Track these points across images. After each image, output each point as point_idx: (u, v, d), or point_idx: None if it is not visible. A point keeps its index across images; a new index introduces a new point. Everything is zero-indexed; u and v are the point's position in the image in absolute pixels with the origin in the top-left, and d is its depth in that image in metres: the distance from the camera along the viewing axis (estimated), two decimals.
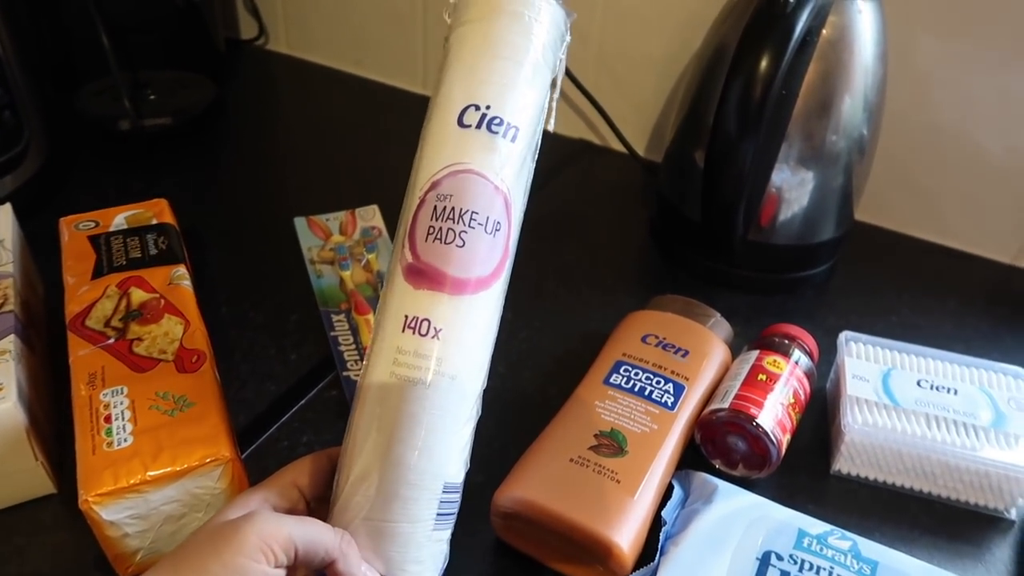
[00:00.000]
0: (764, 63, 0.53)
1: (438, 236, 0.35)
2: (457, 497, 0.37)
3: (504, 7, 0.38)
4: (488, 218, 0.36)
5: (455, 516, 0.37)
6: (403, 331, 0.35)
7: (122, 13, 0.80)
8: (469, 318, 0.36)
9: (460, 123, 0.36)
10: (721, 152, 0.57)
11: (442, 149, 0.37)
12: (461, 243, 0.35)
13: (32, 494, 0.47)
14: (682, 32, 0.74)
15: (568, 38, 0.40)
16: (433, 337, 0.35)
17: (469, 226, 0.35)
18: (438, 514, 0.36)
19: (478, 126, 0.36)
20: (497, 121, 0.36)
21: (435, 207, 0.36)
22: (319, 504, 0.38)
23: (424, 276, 0.35)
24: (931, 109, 0.68)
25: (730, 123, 0.55)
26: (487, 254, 0.36)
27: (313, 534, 0.33)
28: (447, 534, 0.37)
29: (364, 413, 0.36)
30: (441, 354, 0.35)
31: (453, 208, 0.35)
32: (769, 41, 0.53)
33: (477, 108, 0.36)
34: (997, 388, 0.53)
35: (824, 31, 0.57)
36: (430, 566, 0.36)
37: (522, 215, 0.38)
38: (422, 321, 0.35)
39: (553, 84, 0.40)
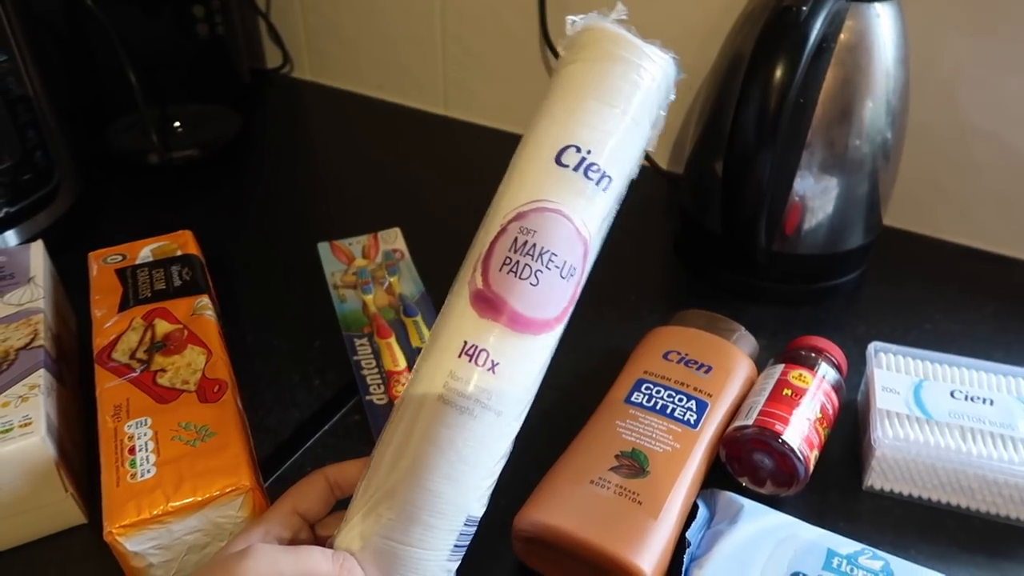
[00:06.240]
0: (778, 73, 0.52)
1: (513, 269, 0.35)
2: (473, 531, 0.37)
3: (619, 53, 0.37)
4: (565, 262, 0.36)
5: (466, 549, 0.37)
6: (460, 356, 0.35)
7: (149, 50, 0.82)
8: (527, 358, 0.36)
9: (558, 161, 0.36)
10: (739, 163, 0.56)
11: (534, 182, 0.36)
12: (535, 281, 0.35)
13: (63, 525, 0.48)
14: (701, 42, 0.74)
15: (673, 96, 0.39)
16: (489, 369, 0.35)
17: (546, 266, 0.35)
18: (455, 545, 0.36)
19: (575, 168, 0.36)
20: (595, 168, 0.36)
21: (515, 239, 0.35)
22: (326, 523, 0.38)
23: (491, 306, 0.35)
24: (959, 110, 0.67)
25: (747, 134, 0.55)
26: (557, 297, 0.36)
27: (308, 565, 0.33)
28: (456, 565, 0.37)
29: (402, 429, 0.35)
30: (493, 388, 0.35)
31: (534, 245, 0.35)
32: (783, 50, 0.52)
33: (578, 150, 0.36)
34: None
35: (842, 36, 0.56)
36: None
37: (592, 264, 0.38)
38: (481, 351, 0.35)
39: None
